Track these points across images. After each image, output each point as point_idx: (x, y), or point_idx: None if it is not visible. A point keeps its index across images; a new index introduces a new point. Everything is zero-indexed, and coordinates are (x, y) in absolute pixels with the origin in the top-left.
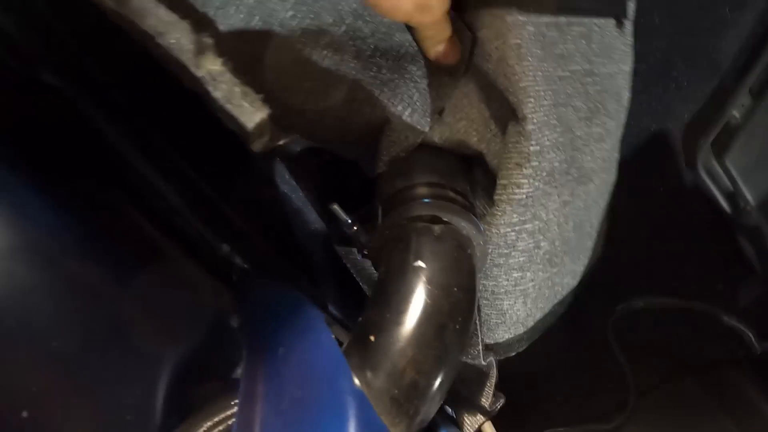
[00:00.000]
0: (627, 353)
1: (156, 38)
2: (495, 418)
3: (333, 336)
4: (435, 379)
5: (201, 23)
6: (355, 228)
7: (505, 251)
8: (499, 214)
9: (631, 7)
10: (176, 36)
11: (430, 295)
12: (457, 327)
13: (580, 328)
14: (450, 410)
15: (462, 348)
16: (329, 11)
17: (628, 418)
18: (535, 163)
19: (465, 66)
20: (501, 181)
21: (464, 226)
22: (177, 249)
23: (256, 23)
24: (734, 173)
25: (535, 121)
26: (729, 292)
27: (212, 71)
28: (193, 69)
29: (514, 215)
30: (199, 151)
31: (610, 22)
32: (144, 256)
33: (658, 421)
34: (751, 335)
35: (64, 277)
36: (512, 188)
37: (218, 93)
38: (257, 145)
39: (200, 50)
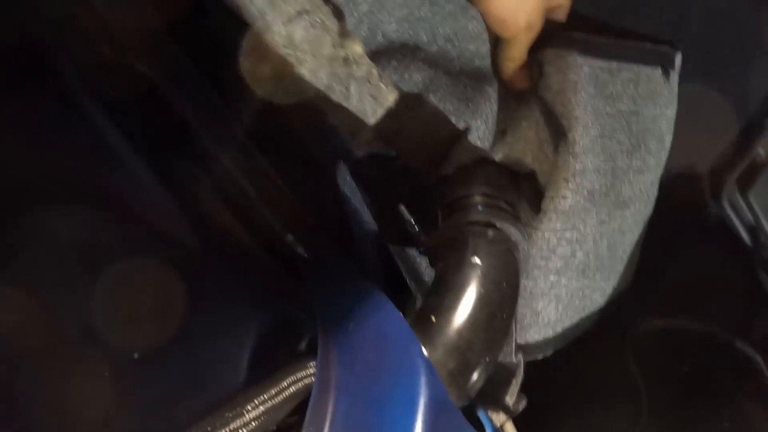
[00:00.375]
0: (643, 372)
1: (300, 15)
2: (514, 420)
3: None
4: (483, 359)
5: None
6: (417, 228)
7: (546, 254)
8: (546, 220)
9: (678, 59)
10: (321, 17)
11: (484, 287)
12: (504, 317)
13: (598, 344)
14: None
15: (506, 337)
16: (426, 31)
17: None
18: (578, 180)
19: (530, 94)
20: (549, 193)
21: (513, 232)
22: (248, 233)
23: (363, 30)
24: (757, 208)
25: (581, 144)
26: (745, 323)
27: (356, 52)
28: (334, 50)
29: (558, 223)
30: (270, 146)
31: (657, 71)
32: (225, 237)
33: None
34: (764, 365)
35: (171, 246)
36: (559, 199)
37: (360, 72)
38: (361, 139)
39: (344, 32)
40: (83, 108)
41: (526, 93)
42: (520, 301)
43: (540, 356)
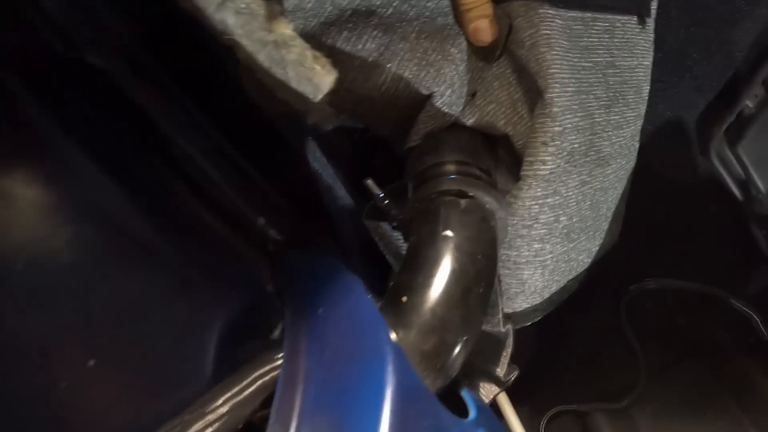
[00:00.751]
0: (638, 334)
1: (222, 3)
2: (508, 391)
3: (369, 296)
4: (460, 337)
5: None
6: (386, 202)
7: (529, 223)
8: (525, 188)
9: (653, 6)
10: (246, 1)
11: (457, 260)
12: (481, 291)
13: (593, 307)
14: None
15: (484, 311)
16: None
17: (638, 398)
18: (558, 142)
19: (500, 50)
20: (527, 158)
21: (488, 200)
22: (218, 220)
23: (310, 1)
24: (746, 161)
25: (559, 104)
26: (740, 279)
27: (285, 35)
28: (264, 34)
29: (539, 189)
30: (237, 130)
31: (633, 19)
32: (191, 225)
33: (667, 402)
34: (759, 321)
35: (128, 242)
36: (538, 164)
37: (291, 56)
38: (316, 116)
39: (272, 15)
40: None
41: (496, 50)
42: (505, 272)
43: (529, 323)
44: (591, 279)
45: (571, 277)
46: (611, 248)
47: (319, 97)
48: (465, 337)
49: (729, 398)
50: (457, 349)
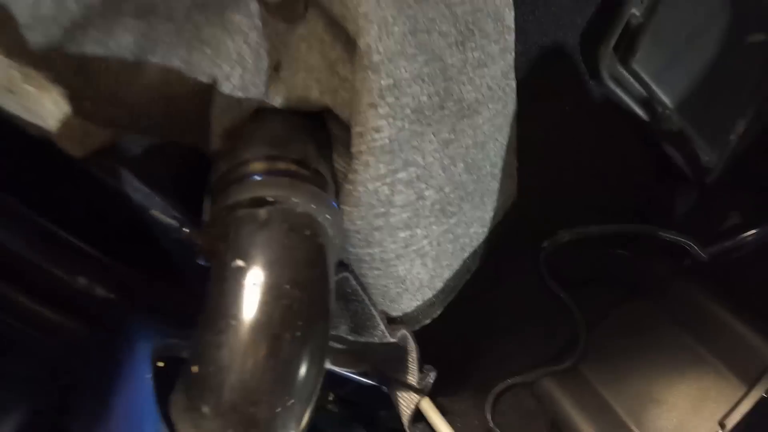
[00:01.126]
0: (567, 289)
1: None
2: (441, 388)
3: (150, 378)
4: (278, 406)
5: None
6: (186, 230)
7: (382, 210)
8: (362, 168)
9: None
10: None
11: (254, 302)
12: (298, 334)
13: (511, 273)
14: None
15: (312, 356)
16: None
17: (583, 353)
18: (391, 100)
19: (303, 4)
20: (356, 129)
21: (298, 201)
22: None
23: (46, 6)
24: (645, 77)
25: (381, 50)
26: (664, 205)
27: None
28: None
29: (380, 166)
30: (26, 180)
31: None
32: None
33: (615, 349)
34: (693, 244)
35: None
36: (370, 134)
37: None
38: (72, 146)
39: None
40: None
41: (298, 4)
42: (376, 273)
43: (428, 321)
44: (499, 246)
45: (465, 255)
46: (512, 207)
47: (53, 125)
48: (290, 401)
49: (680, 330)
50: (278, 423)
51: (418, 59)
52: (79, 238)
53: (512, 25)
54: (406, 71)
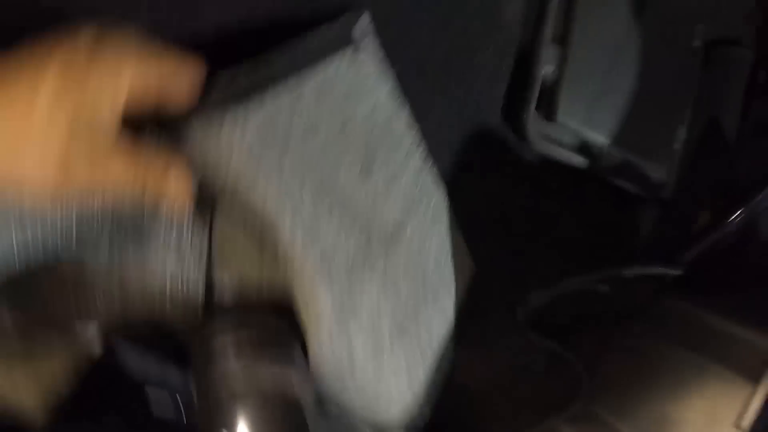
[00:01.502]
0: (556, 336)
1: None
2: None
3: None
4: None
5: None
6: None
7: (347, 362)
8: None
9: (363, 20)
10: None
11: None
12: None
13: (494, 340)
14: None
15: None
16: None
17: (589, 391)
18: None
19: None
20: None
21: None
22: None
23: None
24: (573, 126)
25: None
26: (630, 230)
27: None
28: None
29: (331, 325)
30: None
31: (340, 55)
32: None
33: (619, 380)
34: (662, 266)
35: None
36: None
37: None
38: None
39: None
40: None
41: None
42: (357, 404)
43: (422, 425)
44: (475, 319)
45: (434, 350)
46: (477, 278)
47: None
48: None
49: (677, 346)
50: None
51: (324, 219)
52: None
53: (412, 138)
54: (307, 237)
